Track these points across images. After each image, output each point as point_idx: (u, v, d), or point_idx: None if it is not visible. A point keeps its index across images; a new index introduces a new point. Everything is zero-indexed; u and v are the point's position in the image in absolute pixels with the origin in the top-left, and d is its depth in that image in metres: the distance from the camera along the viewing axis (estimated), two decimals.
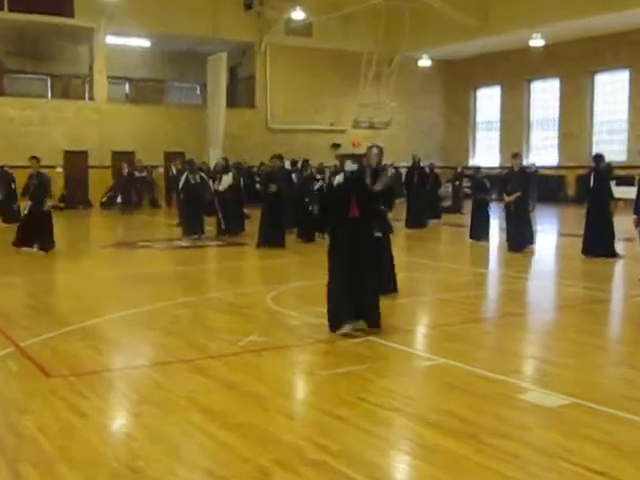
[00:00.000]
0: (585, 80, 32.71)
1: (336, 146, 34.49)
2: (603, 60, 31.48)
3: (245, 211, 19.35)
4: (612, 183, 14.45)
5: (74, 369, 6.49)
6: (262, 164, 21.02)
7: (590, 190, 14.01)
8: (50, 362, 6.70)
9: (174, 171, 25.52)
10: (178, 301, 9.67)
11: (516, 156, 15.37)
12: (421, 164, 22.07)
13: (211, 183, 18.59)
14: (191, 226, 17.98)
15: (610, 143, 31.77)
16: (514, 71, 34.97)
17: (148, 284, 11.25)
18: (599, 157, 14.15)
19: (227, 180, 18.28)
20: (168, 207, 27.95)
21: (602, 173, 13.95)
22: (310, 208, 16.60)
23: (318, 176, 17.87)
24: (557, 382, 6.08)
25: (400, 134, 36.63)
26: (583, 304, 9.71)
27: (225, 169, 19.10)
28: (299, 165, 20.79)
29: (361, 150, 27.03)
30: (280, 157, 16.91)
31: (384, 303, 8.15)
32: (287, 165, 21.11)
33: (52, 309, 9.43)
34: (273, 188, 15.72)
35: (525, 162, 18.91)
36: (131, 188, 28.18)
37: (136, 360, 6.96)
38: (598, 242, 13.80)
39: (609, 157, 17.01)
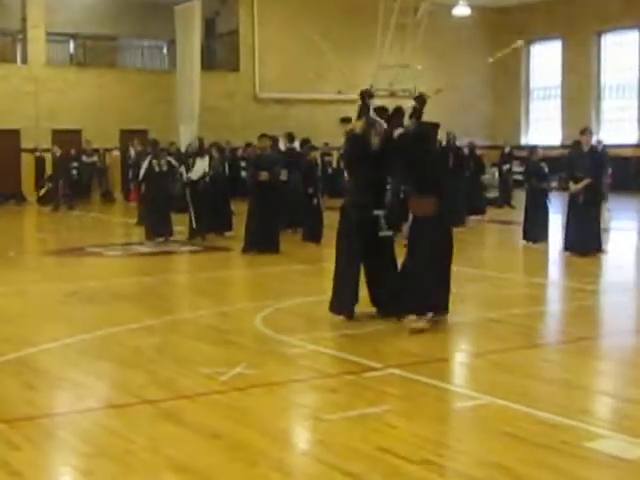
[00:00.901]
0: None
1: (346, 121, 34.51)
2: None
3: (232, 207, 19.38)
4: None
5: (3, 414, 6.48)
6: (249, 145, 21.04)
7: None
8: None
9: (132, 154, 25.61)
10: (140, 325, 9.66)
11: (585, 132, 15.38)
12: (457, 143, 22.09)
13: (182, 170, 18.62)
14: (156, 226, 18.00)
15: None
16: (580, 20, 34.99)
17: (100, 303, 11.24)
18: None
19: (201, 166, 18.28)
20: (126, 201, 28.03)
21: None
22: (315, 201, 16.61)
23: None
24: (638, 426, 6.07)
25: (430, 105, 36.57)
26: None
27: (199, 152, 19.13)
28: (297, 145, 20.82)
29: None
30: (272, 137, 16.94)
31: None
32: (282, 146, 21.15)
33: None
34: (264, 176, 15.73)
35: (594, 140, 18.90)
36: (63, 177, 27.88)
37: (85, 402, 6.94)
38: None
39: None
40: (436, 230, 9.20)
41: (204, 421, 6.25)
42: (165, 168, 18.10)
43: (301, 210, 17.42)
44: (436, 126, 9.92)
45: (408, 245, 9.40)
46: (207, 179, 18.25)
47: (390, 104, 36.13)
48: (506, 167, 27.57)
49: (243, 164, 18.81)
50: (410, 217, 9.50)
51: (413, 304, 9.11)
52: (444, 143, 22.18)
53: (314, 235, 16.93)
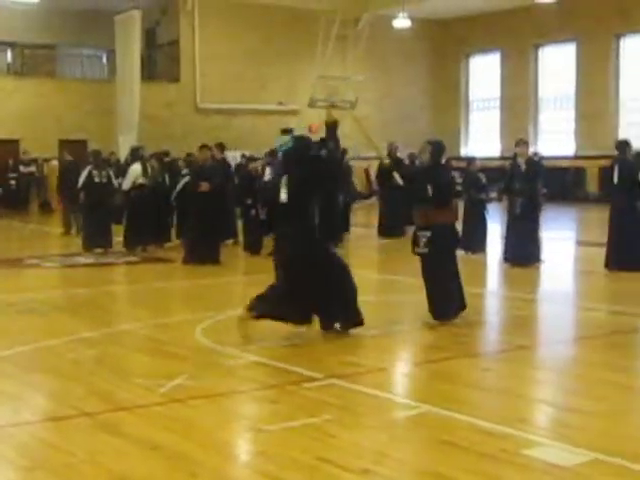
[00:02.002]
0: (608, 45, 33.26)
1: (287, 132, 34.56)
2: (632, 19, 32.05)
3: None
4: None
5: None
6: (189, 155, 20.96)
7: (613, 187, 14.24)
8: None
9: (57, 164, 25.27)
10: (78, 336, 9.57)
11: (519, 143, 15.56)
12: (399, 155, 22.20)
13: (121, 181, 18.47)
14: (94, 237, 17.84)
15: None
16: (519, 33, 35.44)
17: (38, 315, 11.13)
18: (624, 144, 14.40)
19: (133, 173, 18.02)
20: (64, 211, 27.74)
21: (628, 165, 14.19)
22: (254, 212, 16.59)
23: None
24: (575, 434, 6.14)
25: (371, 116, 36.78)
26: (609, 333, 9.81)
27: (133, 159, 18.94)
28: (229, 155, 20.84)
29: (317, 136, 27.17)
30: (219, 146, 16.90)
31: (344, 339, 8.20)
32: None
33: None
34: (204, 187, 15.69)
35: (531, 151, 19.17)
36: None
37: (22, 414, 6.86)
38: (625, 253, 14.02)
39: (638, 144, 17.31)
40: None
41: (144, 433, 6.22)
42: (105, 180, 17.98)
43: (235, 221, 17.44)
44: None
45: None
46: (144, 190, 18.02)
47: (334, 115, 35.72)
48: None
49: (184, 172, 18.68)
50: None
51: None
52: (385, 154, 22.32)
53: (254, 246, 16.90)
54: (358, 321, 9.47)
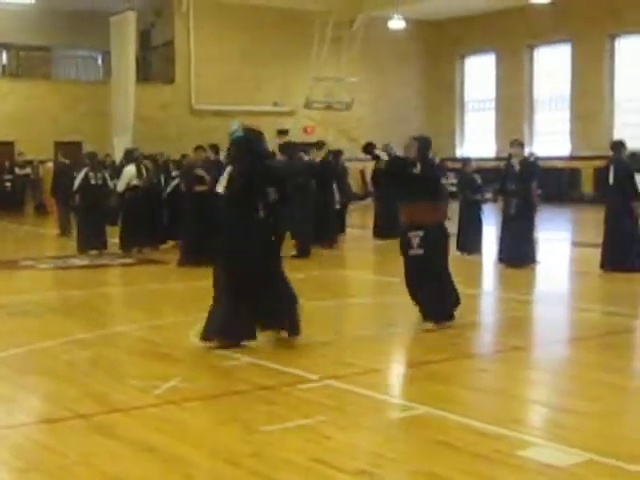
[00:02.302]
0: (602, 45, 33.31)
1: (282, 133, 34.52)
2: (625, 20, 32.10)
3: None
4: (638, 178, 14.70)
5: None
6: (184, 157, 20.95)
7: (609, 188, 14.25)
8: None
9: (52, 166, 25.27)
10: (73, 338, 9.57)
11: (514, 144, 15.57)
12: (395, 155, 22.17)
13: (116, 183, 18.46)
14: (89, 239, 17.83)
15: (636, 126, 32.37)
16: (513, 34, 35.48)
17: (32, 316, 11.12)
18: (619, 145, 14.41)
19: (127, 175, 18.00)
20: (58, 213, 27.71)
21: (624, 165, 14.20)
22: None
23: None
24: (570, 434, 6.14)
25: (366, 117, 36.91)
26: (603, 334, 9.82)
27: (128, 160, 18.92)
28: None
29: (313, 138, 27.17)
30: (213, 147, 16.89)
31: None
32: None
33: None
34: (201, 188, 15.67)
35: (526, 152, 19.17)
36: None
37: (14, 416, 6.85)
38: (620, 254, 14.03)
39: (633, 144, 17.33)
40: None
41: (138, 435, 6.21)
42: (100, 182, 17.97)
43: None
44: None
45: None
46: (138, 191, 18.00)
47: (328, 118, 36.27)
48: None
49: (174, 174, 18.68)
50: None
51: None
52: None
53: None
54: (298, 331, 9.05)
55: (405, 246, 9.84)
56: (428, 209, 9.76)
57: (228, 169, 9.25)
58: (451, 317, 9.87)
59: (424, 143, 10.19)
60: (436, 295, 9.85)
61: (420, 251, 9.68)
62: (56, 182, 22.33)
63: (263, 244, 8.95)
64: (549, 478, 5.35)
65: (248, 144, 9.28)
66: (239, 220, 8.93)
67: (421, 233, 9.66)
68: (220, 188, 9.11)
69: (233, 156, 9.74)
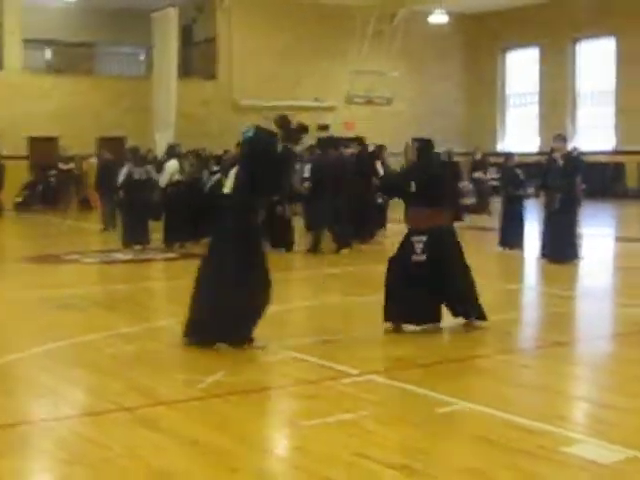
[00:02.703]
0: None
1: (324, 128, 34.55)
2: None
3: None
4: None
5: None
6: (226, 152, 21.00)
7: None
8: None
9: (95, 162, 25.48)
10: (117, 332, 9.65)
11: (557, 138, 15.47)
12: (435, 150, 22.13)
13: (158, 178, 18.58)
14: (132, 234, 17.96)
15: None
16: (556, 28, 35.20)
17: (77, 310, 11.21)
18: None
19: (169, 170, 18.09)
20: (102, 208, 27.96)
21: None
22: (280, 209, 16.46)
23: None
24: (614, 431, 6.11)
25: (407, 112, 36.77)
26: None
27: (170, 156, 19.02)
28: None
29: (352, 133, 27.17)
30: None
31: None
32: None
33: None
34: None
35: (569, 146, 19.07)
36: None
37: (60, 409, 6.92)
38: None
39: None
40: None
41: (182, 428, 6.25)
42: (144, 176, 18.08)
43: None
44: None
45: None
46: (180, 186, 18.10)
47: (369, 113, 36.33)
48: (478, 174, 27.71)
49: (215, 169, 18.77)
50: None
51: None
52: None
53: (280, 243, 16.80)
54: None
55: (408, 251, 9.38)
56: (431, 214, 9.36)
57: (234, 169, 9.15)
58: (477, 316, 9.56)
59: (423, 145, 9.83)
60: (465, 293, 9.58)
61: (423, 257, 9.24)
62: (100, 177, 22.50)
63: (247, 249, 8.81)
64: (593, 475, 5.33)
65: (255, 145, 9.10)
66: (236, 222, 8.83)
67: (424, 238, 9.27)
68: (226, 188, 9.02)
69: (240, 156, 9.65)
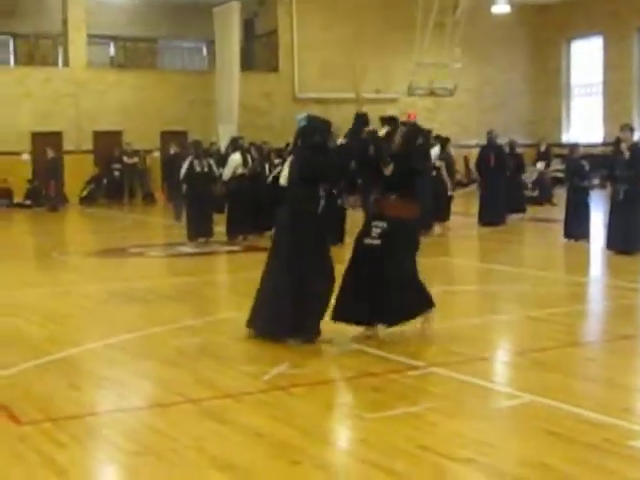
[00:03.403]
0: None
1: (387, 120, 34.37)
2: None
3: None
4: None
5: (50, 413, 6.57)
6: (288, 145, 21.06)
7: None
8: (19, 404, 6.79)
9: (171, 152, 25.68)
10: (182, 324, 9.76)
11: (624, 128, 15.26)
12: (498, 142, 22.00)
13: (222, 171, 18.69)
14: (197, 227, 18.09)
15: None
16: (621, 17, 34.74)
17: (143, 303, 11.36)
18: None
19: (232, 163, 18.18)
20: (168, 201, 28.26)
21: None
22: (339, 201, 16.42)
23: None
24: None
25: (470, 103, 36.57)
26: None
27: (233, 149, 19.12)
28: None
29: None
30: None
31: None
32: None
33: (20, 336, 9.53)
34: None
35: (636, 136, 18.79)
36: (50, 178, 28.19)
37: (128, 400, 7.03)
38: None
39: None
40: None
41: (247, 420, 6.30)
42: (206, 169, 18.17)
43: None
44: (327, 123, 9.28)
45: None
46: (244, 179, 18.20)
47: (431, 104, 36.07)
48: (540, 165, 27.50)
49: (277, 161, 18.89)
50: None
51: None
52: (484, 142, 22.14)
53: (336, 235, 16.74)
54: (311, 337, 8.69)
55: (363, 234, 8.81)
56: (398, 204, 8.68)
57: (289, 159, 9.11)
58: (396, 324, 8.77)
59: (408, 131, 9.24)
60: (392, 297, 8.61)
61: (377, 242, 8.62)
62: (165, 171, 22.67)
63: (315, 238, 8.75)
64: None
65: (308, 134, 8.96)
66: (292, 213, 8.76)
67: (385, 225, 8.62)
68: (282, 179, 8.96)
69: (293, 146, 9.52)
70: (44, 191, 28.55)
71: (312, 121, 9.22)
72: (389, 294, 8.52)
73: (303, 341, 8.57)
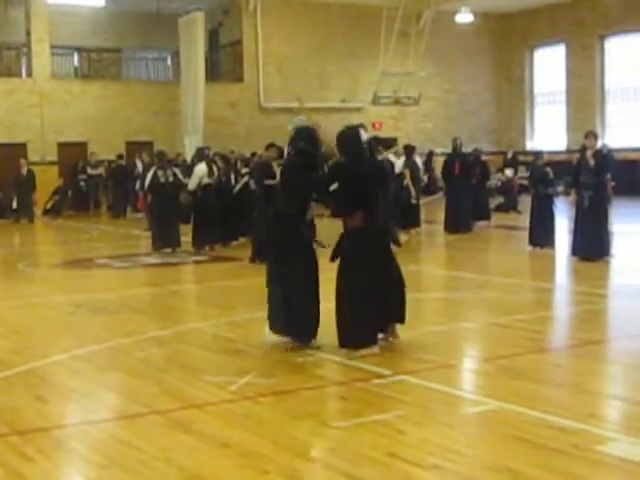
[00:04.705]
0: None
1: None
2: None
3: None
4: None
5: (15, 425, 6.53)
6: (254, 155, 21.08)
7: None
8: None
9: (139, 167, 25.75)
10: (148, 335, 9.72)
11: (588, 135, 15.38)
12: (463, 150, 22.13)
13: (186, 180, 18.64)
14: (162, 237, 18.03)
15: None
16: (583, 25, 35.05)
17: (109, 314, 11.28)
18: None
19: (198, 173, 18.13)
20: (134, 212, 28.12)
21: None
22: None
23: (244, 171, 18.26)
24: None
25: (435, 112, 36.76)
26: None
27: (199, 159, 19.10)
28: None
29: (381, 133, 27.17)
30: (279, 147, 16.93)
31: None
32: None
33: None
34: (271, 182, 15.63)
35: (599, 144, 18.95)
36: (27, 190, 28.12)
37: (95, 412, 7.00)
38: None
39: None
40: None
41: (214, 430, 6.29)
42: (171, 179, 18.12)
43: None
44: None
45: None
46: (210, 189, 18.16)
47: (396, 113, 36.27)
48: (509, 172, 27.73)
49: (244, 171, 18.92)
50: None
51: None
52: (449, 150, 22.26)
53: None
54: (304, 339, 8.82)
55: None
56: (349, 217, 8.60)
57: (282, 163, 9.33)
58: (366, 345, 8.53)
59: (345, 138, 8.83)
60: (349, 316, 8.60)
61: (325, 244, 8.85)
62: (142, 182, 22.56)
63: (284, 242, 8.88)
64: (629, 474, 5.30)
65: (293, 140, 9.08)
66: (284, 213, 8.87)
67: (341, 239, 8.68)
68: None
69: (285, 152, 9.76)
70: (16, 203, 28.38)
71: (297, 128, 9.42)
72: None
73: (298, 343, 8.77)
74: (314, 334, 8.80)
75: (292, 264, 8.78)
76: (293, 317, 8.71)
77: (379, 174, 8.86)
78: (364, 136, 8.78)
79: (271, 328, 9.06)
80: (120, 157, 30.05)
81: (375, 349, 8.44)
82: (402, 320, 8.86)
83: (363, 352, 8.33)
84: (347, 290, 8.56)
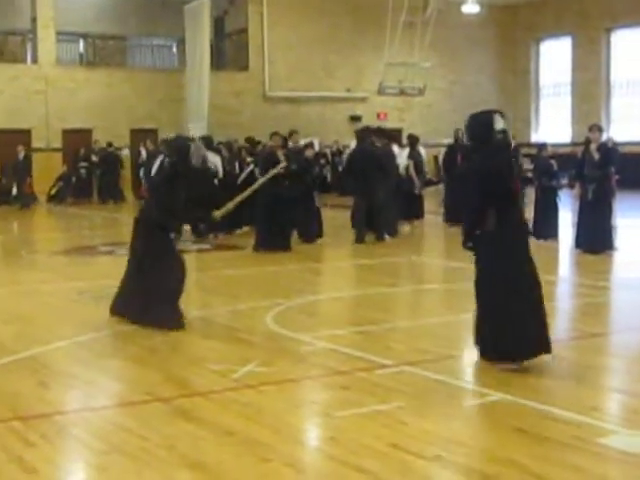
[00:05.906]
0: None
1: (356, 119, 34.52)
2: None
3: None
4: None
5: (18, 411, 6.53)
6: (258, 143, 21.06)
7: None
8: None
9: (144, 155, 25.72)
10: None
11: (593, 128, 15.35)
12: (465, 142, 22.03)
13: None
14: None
15: None
16: (589, 17, 34.97)
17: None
18: None
19: (216, 164, 18.25)
20: (136, 199, 28.11)
21: None
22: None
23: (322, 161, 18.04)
24: None
25: (439, 103, 36.71)
26: None
27: (209, 149, 19.10)
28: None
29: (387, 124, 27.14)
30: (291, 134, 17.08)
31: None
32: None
33: None
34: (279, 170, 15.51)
35: (604, 137, 18.88)
36: (26, 175, 28.19)
37: (98, 399, 7.00)
38: None
39: None
40: None
41: (217, 418, 6.29)
42: None
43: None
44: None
45: None
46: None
47: (401, 104, 36.15)
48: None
49: (249, 159, 18.91)
50: None
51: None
52: (451, 141, 22.18)
53: (309, 234, 16.81)
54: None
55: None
56: None
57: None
58: None
59: (476, 122, 8.50)
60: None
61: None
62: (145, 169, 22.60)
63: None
64: (631, 466, 5.30)
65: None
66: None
67: None
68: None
69: None
70: (16, 189, 28.36)
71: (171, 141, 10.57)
72: None
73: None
74: None
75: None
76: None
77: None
78: (499, 123, 8.08)
79: None
80: (109, 145, 30.10)
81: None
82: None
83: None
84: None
